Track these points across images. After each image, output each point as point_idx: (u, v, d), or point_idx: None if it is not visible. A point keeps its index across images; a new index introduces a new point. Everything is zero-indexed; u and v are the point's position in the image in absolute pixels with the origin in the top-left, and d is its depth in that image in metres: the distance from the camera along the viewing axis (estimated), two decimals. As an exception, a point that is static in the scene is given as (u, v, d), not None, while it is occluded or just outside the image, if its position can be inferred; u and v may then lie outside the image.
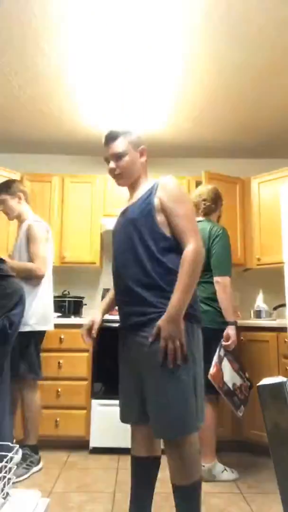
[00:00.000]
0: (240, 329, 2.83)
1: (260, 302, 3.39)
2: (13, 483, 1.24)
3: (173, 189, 1.61)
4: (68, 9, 2.14)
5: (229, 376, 2.41)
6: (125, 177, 1.69)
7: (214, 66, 2.61)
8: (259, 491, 2.27)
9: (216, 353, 2.38)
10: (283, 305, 3.18)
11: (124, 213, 1.70)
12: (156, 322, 1.50)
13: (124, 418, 1.69)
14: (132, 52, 2.47)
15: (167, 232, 1.57)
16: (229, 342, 2.41)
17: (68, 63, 2.59)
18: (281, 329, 2.78)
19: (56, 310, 3.15)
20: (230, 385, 2.40)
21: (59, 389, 2.92)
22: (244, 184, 3.61)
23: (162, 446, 1.62)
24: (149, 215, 1.58)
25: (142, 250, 1.57)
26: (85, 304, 3.57)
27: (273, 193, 3.37)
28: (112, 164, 1.67)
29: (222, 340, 2.42)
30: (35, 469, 2.49)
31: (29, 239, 2.61)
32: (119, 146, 1.64)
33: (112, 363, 3.03)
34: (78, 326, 3.00)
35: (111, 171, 1.69)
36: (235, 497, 2.21)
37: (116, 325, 2.97)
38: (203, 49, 2.44)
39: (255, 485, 2.35)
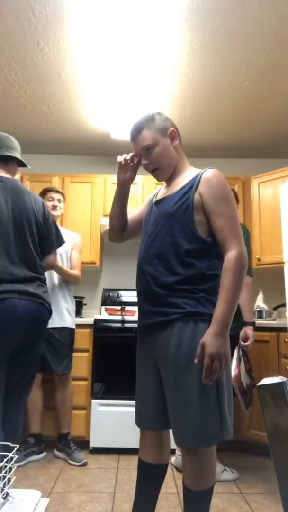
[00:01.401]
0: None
1: (260, 302, 3.39)
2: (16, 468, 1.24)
3: (218, 185, 1.44)
4: (68, 9, 2.14)
5: (244, 375, 2.41)
6: (163, 170, 1.55)
7: (215, 66, 2.61)
8: (259, 491, 2.27)
9: (235, 355, 2.36)
10: (283, 305, 3.19)
11: (159, 202, 1.56)
12: (179, 322, 1.40)
13: (139, 422, 1.56)
14: (135, 53, 2.46)
15: (202, 232, 1.43)
16: (248, 343, 2.41)
17: (68, 63, 2.59)
18: (281, 329, 2.78)
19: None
20: (245, 385, 2.40)
21: (59, 389, 2.91)
22: (244, 184, 3.61)
23: (172, 446, 1.61)
24: (186, 212, 1.44)
25: (172, 250, 1.44)
26: (85, 304, 3.57)
27: (273, 193, 3.36)
28: (144, 160, 1.54)
29: (240, 341, 2.42)
30: (38, 457, 2.66)
31: (75, 248, 2.98)
32: (145, 138, 1.51)
33: (112, 363, 3.04)
34: (79, 326, 3.00)
35: (146, 168, 1.57)
36: (235, 497, 2.21)
37: (117, 325, 2.99)
38: (204, 50, 2.44)
39: (255, 485, 2.35)
